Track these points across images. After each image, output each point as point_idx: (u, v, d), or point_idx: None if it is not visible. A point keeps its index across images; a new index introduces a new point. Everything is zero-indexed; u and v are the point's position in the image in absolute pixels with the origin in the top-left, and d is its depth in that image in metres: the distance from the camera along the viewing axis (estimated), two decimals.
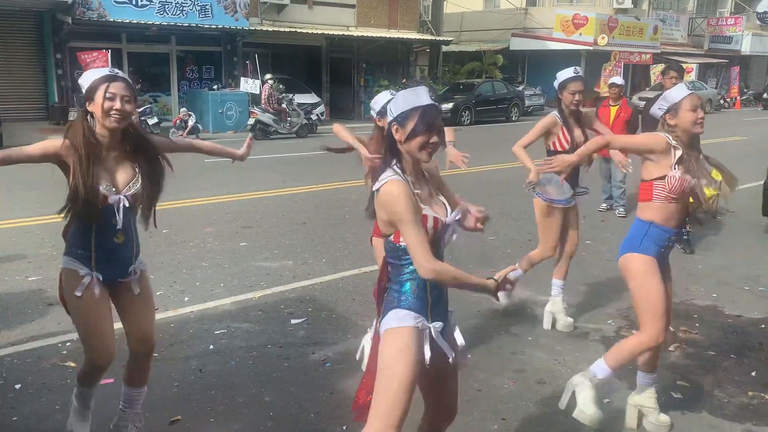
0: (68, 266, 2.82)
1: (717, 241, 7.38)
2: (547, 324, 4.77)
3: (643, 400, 3.45)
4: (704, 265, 6.38)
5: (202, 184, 10.17)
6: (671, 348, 4.42)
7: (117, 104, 2.65)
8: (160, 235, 7.07)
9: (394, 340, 2.31)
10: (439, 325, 2.36)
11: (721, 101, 30.51)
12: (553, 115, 4.54)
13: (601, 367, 3.33)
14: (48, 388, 3.75)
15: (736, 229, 7.90)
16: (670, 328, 4.72)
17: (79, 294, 2.77)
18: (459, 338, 2.46)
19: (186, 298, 5.26)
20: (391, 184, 2.23)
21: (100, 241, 2.79)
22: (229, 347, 4.35)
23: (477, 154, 14.48)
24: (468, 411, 3.56)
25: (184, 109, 17.46)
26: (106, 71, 2.73)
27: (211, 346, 4.36)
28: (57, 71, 17.08)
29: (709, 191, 8.35)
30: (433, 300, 2.36)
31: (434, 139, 2.25)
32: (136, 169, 2.81)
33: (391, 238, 2.32)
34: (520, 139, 4.57)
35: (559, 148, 4.47)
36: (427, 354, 2.31)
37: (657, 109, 3.29)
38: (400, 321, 2.32)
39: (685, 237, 6.87)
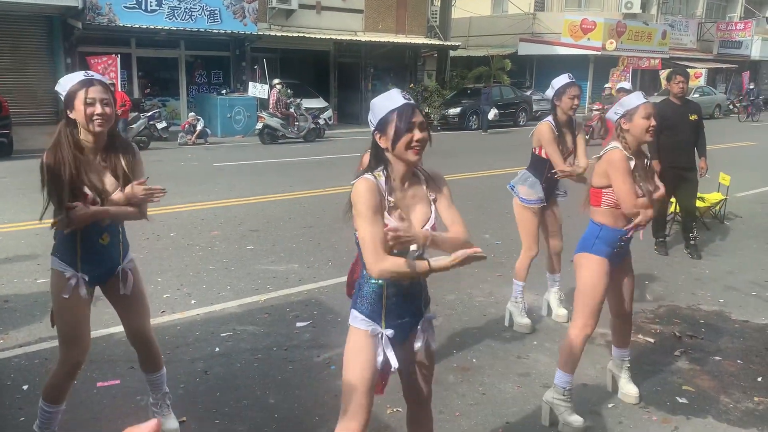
0: (55, 267, 2.88)
1: (724, 246, 7.35)
2: (543, 310, 5.08)
3: (614, 368, 3.81)
4: (711, 270, 6.36)
5: (210, 188, 10.22)
6: (677, 353, 4.41)
7: (98, 109, 2.68)
8: (168, 238, 7.12)
9: (350, 341, 2.43)
10: (390, 332, 2.39)
11: (731, 106, 30.34)
12: (548, 122, 4.60)
13: (559, 376, 3.48)
14: None
15: (743, 234, 7.86)
16: (676, 333, 4.73)
17: (66, 296, 2.83)
18: (419, 344, 2.45)
19: (192, 301, 5.29)
20: (360, 181, 2.29)
21: (85, 243, 2.85)
22: (235, 350, 4.37)
23: (486, 158, 14.56)
24: (472, 415, 3.57)
25: (192, 113, 17.55)
26: (81, 76, 2.74)
27: (217, 349, 4.39)
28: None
29: (715, 196, 8.36)
30: (389, 306, 2.40)
31: (418, 136, 2.26)
32: (120, 172, 2.84)
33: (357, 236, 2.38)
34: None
35: (545, 156, 4.61)
36: (379, 358, 2.36)
37: (613, 114, 3.44)
38: (353, 321, 2.43)
39: (692, 242, 6.86)
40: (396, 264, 2.22)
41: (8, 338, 4.48)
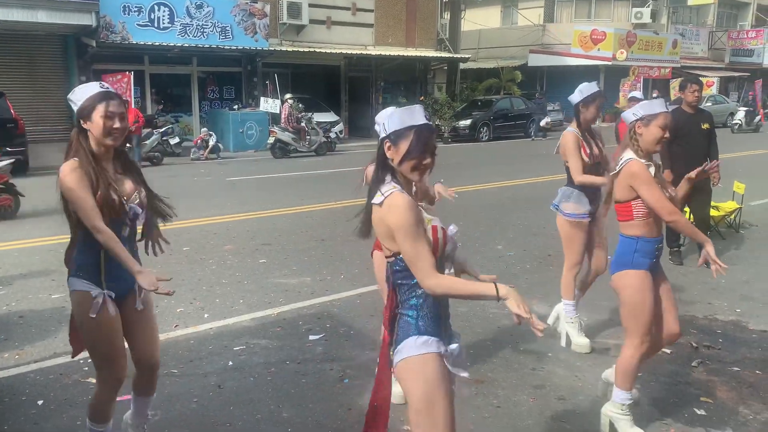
0: (79, 288, 2.79)
1: (740, 255, 7.26)
2: (563, 341, 4.70)
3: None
4: (727, 279, 6.26)
5: (222, 203, 10.27)
6: (694, 364, 4.35)
7: (116, 123, 2.69)
8: (181, 252, 7.15)
9: (420, 373, 2.22)
10: (455, 346, 2.32)
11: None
12: (573, 132, 4.45)
13: (617, 394, 3.43)
14: (70, 404, 3.79)
15: (759, 243, 7.77)
16: (693, 343, 4.67)
17: (94, 316, 2.75)
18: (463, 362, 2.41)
19: (206, 315, 5.30)
20: (395, 196, 2.18)
21: (110, 260, 2.74)
22: (248, 363, 4.37)
23: (496, 170, 14.57)
24: (487, 428, 3.54)
25: (205, 129, 17.71)
26: (97, 88, 2.73)
27: (230, 363, 4.39)
28: None
29: (730, 205, 8.28)
30: (444, 318, 2.34)
31: (427, 160, 2.22)
32: (133, 181, 2.85)
33: (401, 256, 2.22)
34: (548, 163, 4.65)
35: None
36: (454, 376, 2.28)
37: (630, 114, 3.35)
38: (421, 348, 2.23)
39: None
40: (451, 282, 2.18)
41: (23, 354, 4.51)
